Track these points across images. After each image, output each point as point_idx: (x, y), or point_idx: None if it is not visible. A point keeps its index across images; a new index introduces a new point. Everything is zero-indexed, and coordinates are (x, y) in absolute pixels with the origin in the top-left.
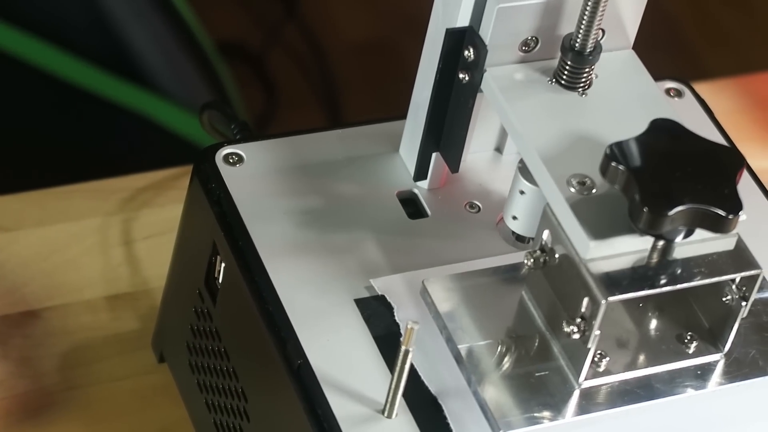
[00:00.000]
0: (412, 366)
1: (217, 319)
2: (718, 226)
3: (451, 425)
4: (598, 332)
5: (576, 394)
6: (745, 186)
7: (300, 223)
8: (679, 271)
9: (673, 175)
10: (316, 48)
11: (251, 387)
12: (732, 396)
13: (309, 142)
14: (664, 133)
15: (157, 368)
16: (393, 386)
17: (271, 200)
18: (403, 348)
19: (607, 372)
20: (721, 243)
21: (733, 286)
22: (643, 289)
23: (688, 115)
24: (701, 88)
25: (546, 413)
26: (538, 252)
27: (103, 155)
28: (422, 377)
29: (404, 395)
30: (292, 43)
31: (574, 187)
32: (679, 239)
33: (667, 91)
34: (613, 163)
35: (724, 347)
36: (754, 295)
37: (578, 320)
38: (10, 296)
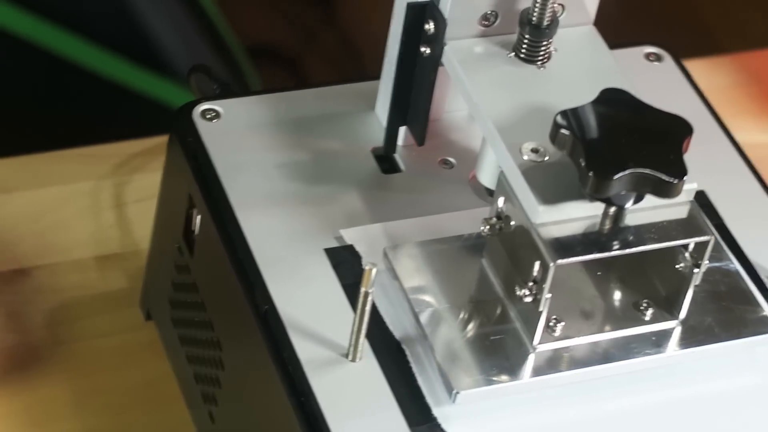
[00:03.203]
0: (378, 313)
1: (194, 271)
2: (664, 191)
3: (414, 369)
4: (548, 295)
5: (531, 357)
6: (730, 160)
7: (274, 176)
8: (630, 237)
9: (619, 141)
10: (351, 52)
11: (225, 336)
12: (686, 362)
13: (286, 99)
14: (614, 102)
15: (144, 326)
16: (355, 329)
17: (246, 154)
18: (362, 290)
19: (563, 337)
20: (674, 211)
21: (686, 254)
22: (592, 253)
23: (665, 78)
24: (699, 64)
25: (500, 375)
26: (494, 219)
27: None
28: (387, 324)
29: (370, 341)
30: (328, 48)
31: (527, 155)
32: (629, 205)
33: (647, 56)
34: (562, 130)
35: (679, 314)
36: (706, 262)
37: (530, 284)
38: (1, 255)
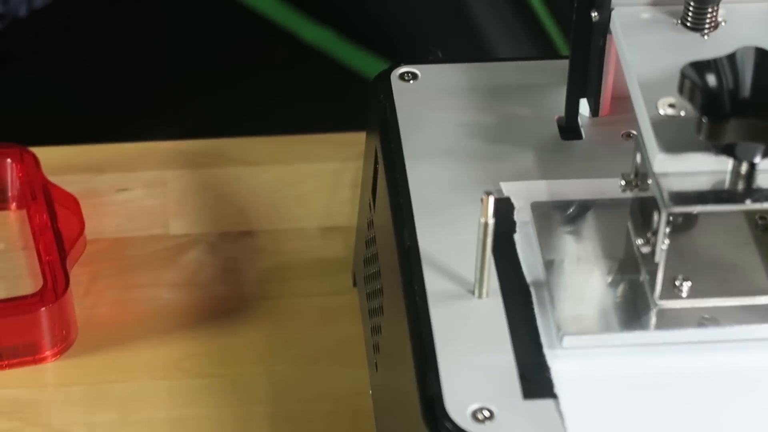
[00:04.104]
0: (516, 259)
1: (375, 225)
2: None
3: (537, 311)
4: (665, 246)
5: (650, 312)
6: None
7: (453, 133)
8: (756, 197)
9: (741, 91)
10: None
11: (386, 282)
12: None
13: (486, 68)
14: (749, 59)
15: (350, 291)
16: (478, 263)
17: (431, 112)
18: (481, 220)
19: (689, 296)
20: None
21: None
22: (708, 203)
23: None
24: None
25: (614, 325)
26: (632, 175)
27: None
28: (522, 266)
29: (501, 282)
30: None
31: (663, 109)
32: (758, 161)
33: None
34: (687, 79)
35: None
36: None
37: (648, 234)
38: (234, 218)
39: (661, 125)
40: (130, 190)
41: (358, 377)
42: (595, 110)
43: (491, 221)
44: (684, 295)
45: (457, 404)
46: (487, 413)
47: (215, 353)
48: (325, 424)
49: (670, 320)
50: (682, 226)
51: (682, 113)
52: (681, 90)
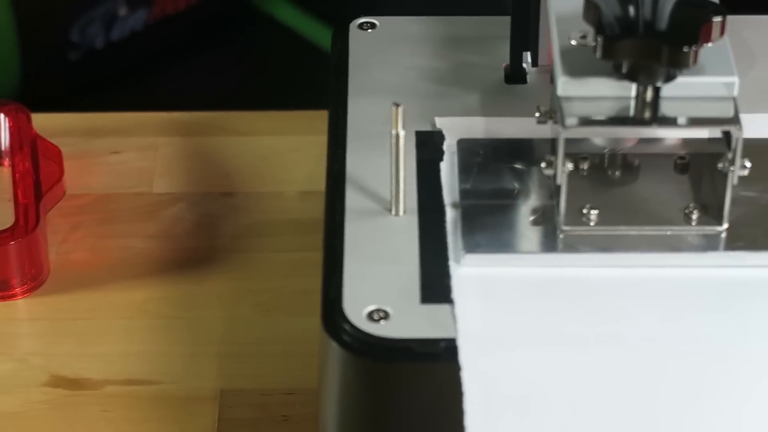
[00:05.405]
0: (438, 180)
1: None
2: (674, 59)
3: (447, 230)
4: (566, 168)
5: (555, 236)
6: None
7: (402, 75)
8: (657, 122)
9: (640, 14)
10: None
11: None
12: (724, 268)
13: (443, 22)
14: None
15: (321, 249)
16: (393, 177)
17: (385, 57)
18: (392, 132)
19: (596, 224)
20: (717, 107)
21: (728, 154)
22: (605, 126)
23: None
24: None
25: (514, 247)
26: (545, 108)
27: None
28: (444, 187)
29: (421, 203)
30: None
31: (575, 40)
32: (659, 84)
33: None
34: (590, 3)
35: (722, 220)
36: (740, 160)
37: (551, 157)
38: (218, 180)
39: (569, 52)
40: (122, 153)
41: (315, 324)
42: (534, 61)
43: (402, 132)
44: (591, 223)
45: (354, 306)
46: (383, 314)
47: (178, 298)
48: (273, 363)
49: (572, 245)
50: (600, 163)
51: (593, 43)
52: (585, 15)
